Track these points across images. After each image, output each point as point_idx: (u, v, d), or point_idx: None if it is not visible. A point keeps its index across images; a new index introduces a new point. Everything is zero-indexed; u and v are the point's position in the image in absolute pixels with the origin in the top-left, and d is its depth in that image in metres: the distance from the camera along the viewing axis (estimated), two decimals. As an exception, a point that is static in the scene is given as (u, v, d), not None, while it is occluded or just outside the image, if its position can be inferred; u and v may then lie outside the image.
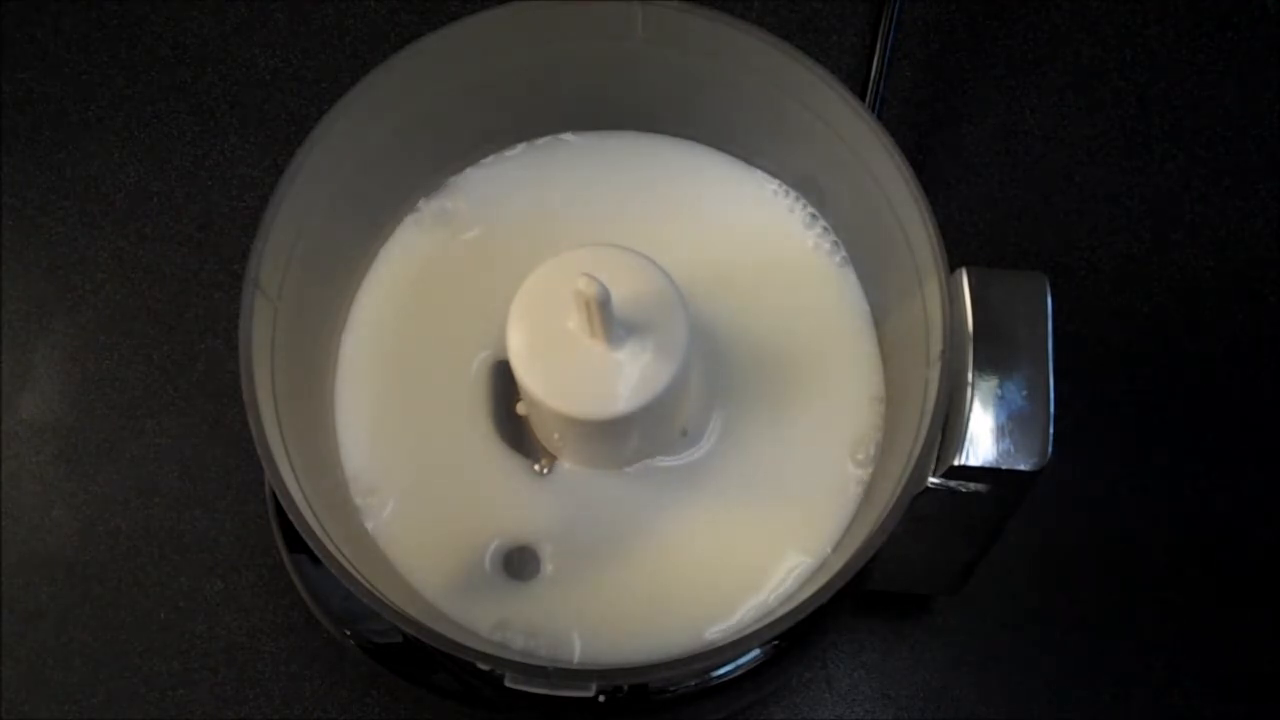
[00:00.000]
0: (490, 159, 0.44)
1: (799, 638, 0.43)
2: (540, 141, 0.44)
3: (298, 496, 0.35)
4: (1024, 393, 0.35)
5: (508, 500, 0.41)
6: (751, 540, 0.40)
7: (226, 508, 0.50)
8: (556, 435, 0.40)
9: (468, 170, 0.44)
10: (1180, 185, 0.54)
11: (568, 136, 0.45)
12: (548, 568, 0.40)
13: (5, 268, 0.53)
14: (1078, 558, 0.50)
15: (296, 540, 0.37)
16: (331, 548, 0.34)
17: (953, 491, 0.36)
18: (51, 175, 0.55)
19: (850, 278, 0.43)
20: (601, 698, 0.39)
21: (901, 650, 0.49)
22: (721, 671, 0.42)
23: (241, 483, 0.50)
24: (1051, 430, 0.35)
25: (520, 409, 0.41)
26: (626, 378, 0.36)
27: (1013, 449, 0.35)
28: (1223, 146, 0.54)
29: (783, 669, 0.43)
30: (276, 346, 0.37)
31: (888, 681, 0.48)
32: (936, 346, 0.35)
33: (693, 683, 0.42)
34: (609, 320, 0.35)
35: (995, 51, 0.56)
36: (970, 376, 0.35)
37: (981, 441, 0.35)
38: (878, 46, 0.50)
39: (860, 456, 0.41)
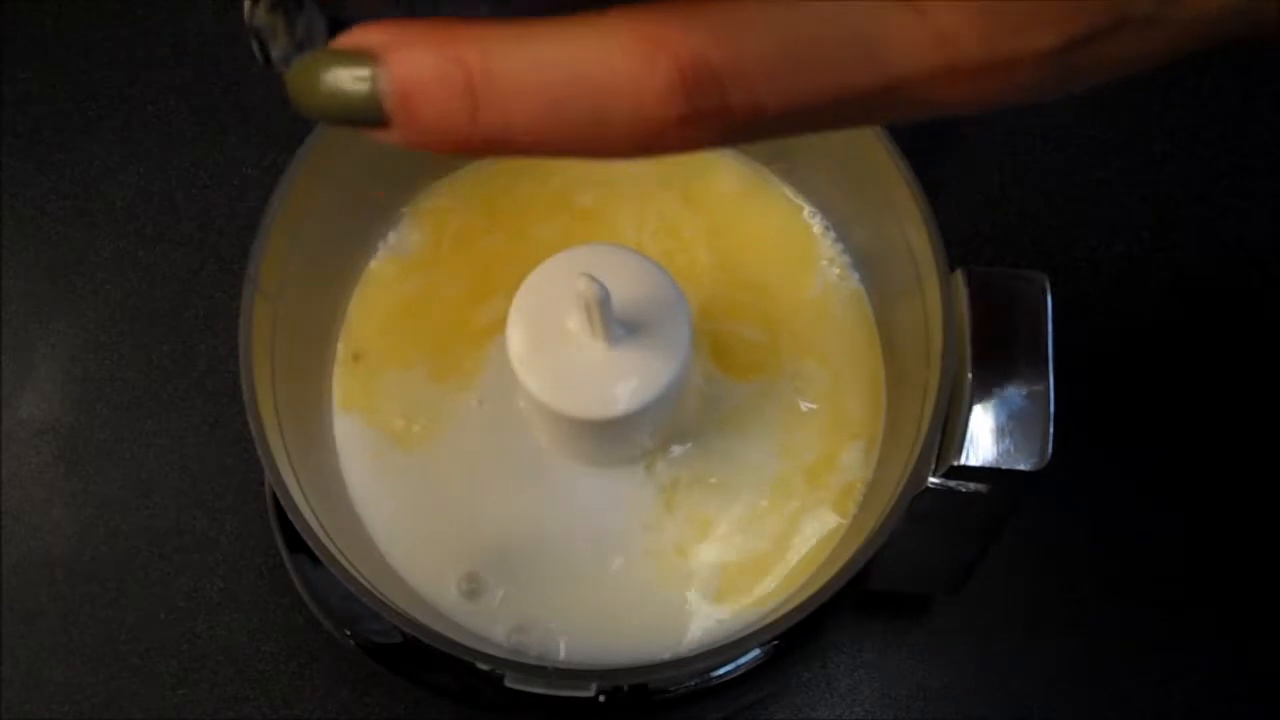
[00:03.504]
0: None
1: (799, 638, 0.42)
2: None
3: (298, 496, 0.35)
4: (1024, 393, 0.35)
5: (507, 498, 0.41)
6: (751, 539, 0.40)
7: (226, 508, 0.50)
8: (557, 434, 0.40)
9: (468, 165, 0.44)
10: (1180, 185, 0.54)
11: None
12: (548, 566, 0.40)
13: (5, 268, 0.53)
14: (1078, 558, 0.50)
15: (296, 540, 0.37)
16: (331, 548, 0.34)
17: (953, 491, 0.36)
18: (51, 175, 0.55)
19: (851, 278, 0.43)
20: (601, 698, 0.39)
21: (901, 650, 0.49)
22: (721, 671, 0.42)
23: (241, 483, 0.50)
24: (1051, 430, 0.35)
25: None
26: (626, 378, 0.36)
27: (1013, 449, 0.35)
28: (1223, 146, 0.54)
29: (783, 669, 0.43)
30: (276, 346, 0.37)
31: (888, 681, 0.48)
32: (936, 346, 0.35)
33: (693, 683, 0.42)
34: (609, 320, 0.35)
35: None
36: (970, 376, 0.35)
37: (981, 441, 0.35)
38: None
39: (860, 456, 0.41)
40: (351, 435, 0.41)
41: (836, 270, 0.43)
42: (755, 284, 0.43)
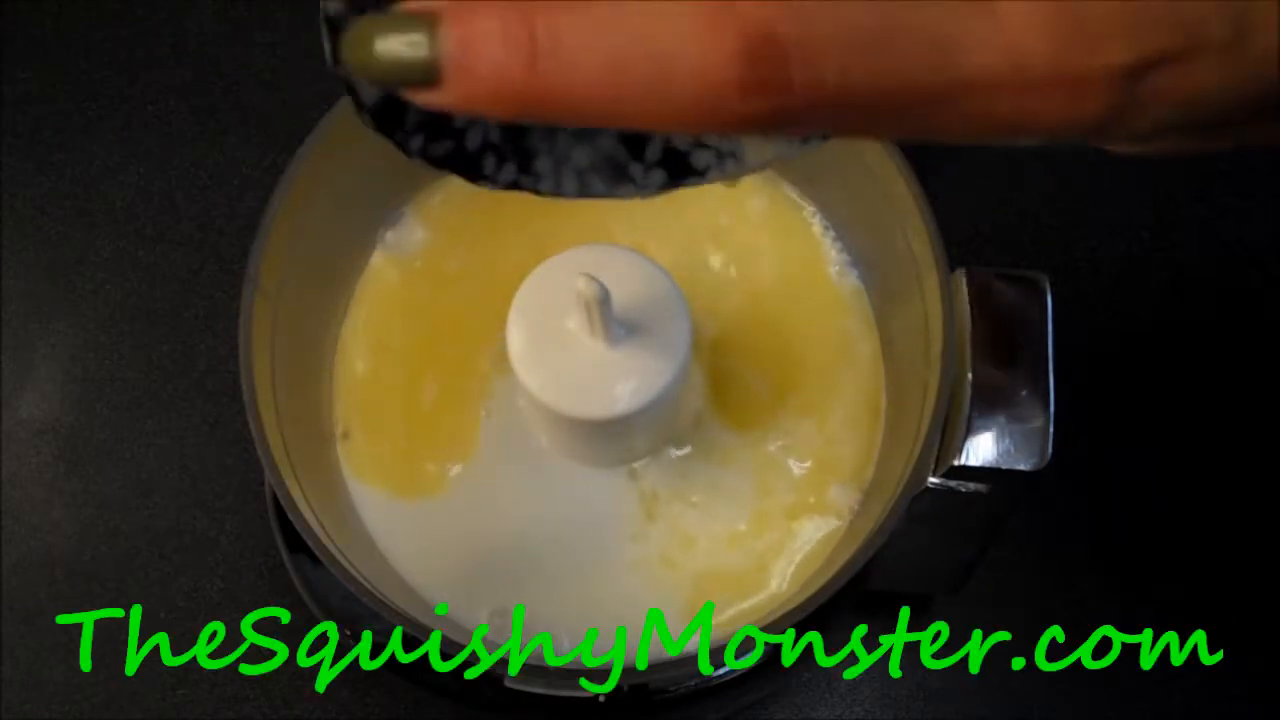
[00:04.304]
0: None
1: (799, 638, 0.42)
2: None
3: (297, 496, 0.35)
4: (1024, 393, 0.35)
5: (507, 499, 0.41)
6: (751, 539, 0.40)
7: (226, 508, 0.50)
8: (556, 433, 0.40)
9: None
10: (1180, 185, 0.54)
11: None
12: (547, 566, 0.40)
13: (5, 268, 0.53)
14: (1078, 558, 0.50)
15: (296, 540, 0.37)
16: (331, 548, 0.34)
17: (953, 491, 0.36)
18: (51, 175, 0.54)
19: (851, 279, 0.43)
20: (601, 698, 0.39)
21: (901, 650, 0.49)
22: (721, 671, 0.42)
23: (241, 483, 0.50)
24: (1051, 430, 0.35)
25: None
26: (626, 378, 0.36)
27: (1013, 449, 0.35)
28: (1223, 146, 0.54)
29: (782, 669, 0.43)
30: (276, 346, 0.37)
31: (888, 681, 0.48)
32: (936, 346, 0.35)
33: (693, 683, 0.42)
34: (609, 320, 0.35)
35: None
36: (970, 376, 0.35)
37: (981, 441, 0.35)
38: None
39: (860, 456, 0.41)
40: (370, 497, 0.41)
41: (836, 270, 0.43)
42: (751, 284, 0.43)
